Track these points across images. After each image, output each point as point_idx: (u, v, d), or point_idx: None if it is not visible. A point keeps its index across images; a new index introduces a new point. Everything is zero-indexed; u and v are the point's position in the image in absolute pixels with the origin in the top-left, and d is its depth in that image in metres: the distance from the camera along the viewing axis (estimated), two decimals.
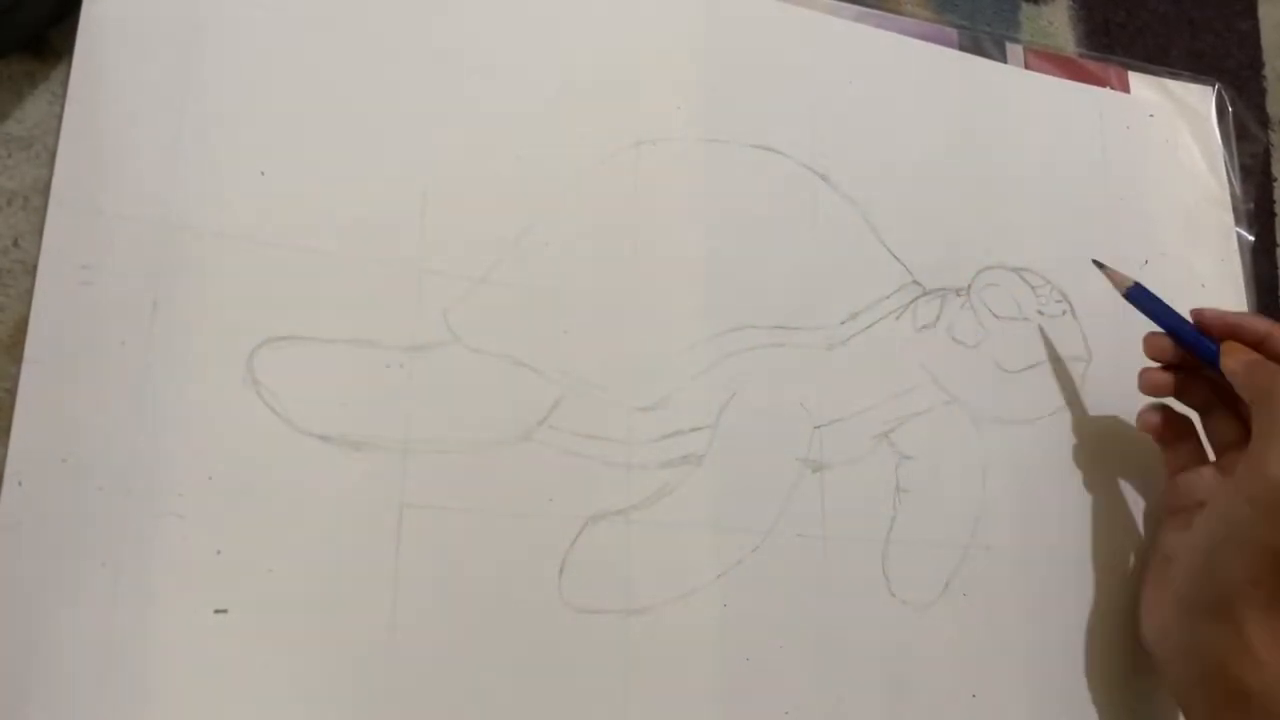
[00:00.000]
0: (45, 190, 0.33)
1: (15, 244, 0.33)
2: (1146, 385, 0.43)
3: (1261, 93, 0.58)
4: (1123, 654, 0.45)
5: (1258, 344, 0.40)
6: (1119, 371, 0.48)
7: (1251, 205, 0.54)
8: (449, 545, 0.35)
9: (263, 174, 0.36)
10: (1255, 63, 0.58)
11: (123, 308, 0.33)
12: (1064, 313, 0.48)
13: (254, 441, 0.34)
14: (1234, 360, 0.39)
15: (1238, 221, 0.54)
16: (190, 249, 0.34)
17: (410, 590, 0.35)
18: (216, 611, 0.32)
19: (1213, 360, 0.41)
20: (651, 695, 0.37)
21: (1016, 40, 0.52)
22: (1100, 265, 0.45)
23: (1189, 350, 0.42)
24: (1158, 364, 0.43)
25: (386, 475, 0.35)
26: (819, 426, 0.42)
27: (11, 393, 0.32)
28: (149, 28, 0.35)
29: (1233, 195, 0.54)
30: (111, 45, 0.34)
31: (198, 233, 0.34)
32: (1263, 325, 0.40)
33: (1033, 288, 0.48)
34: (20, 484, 0.31)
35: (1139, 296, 0.43)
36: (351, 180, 0.37)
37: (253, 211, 0.35)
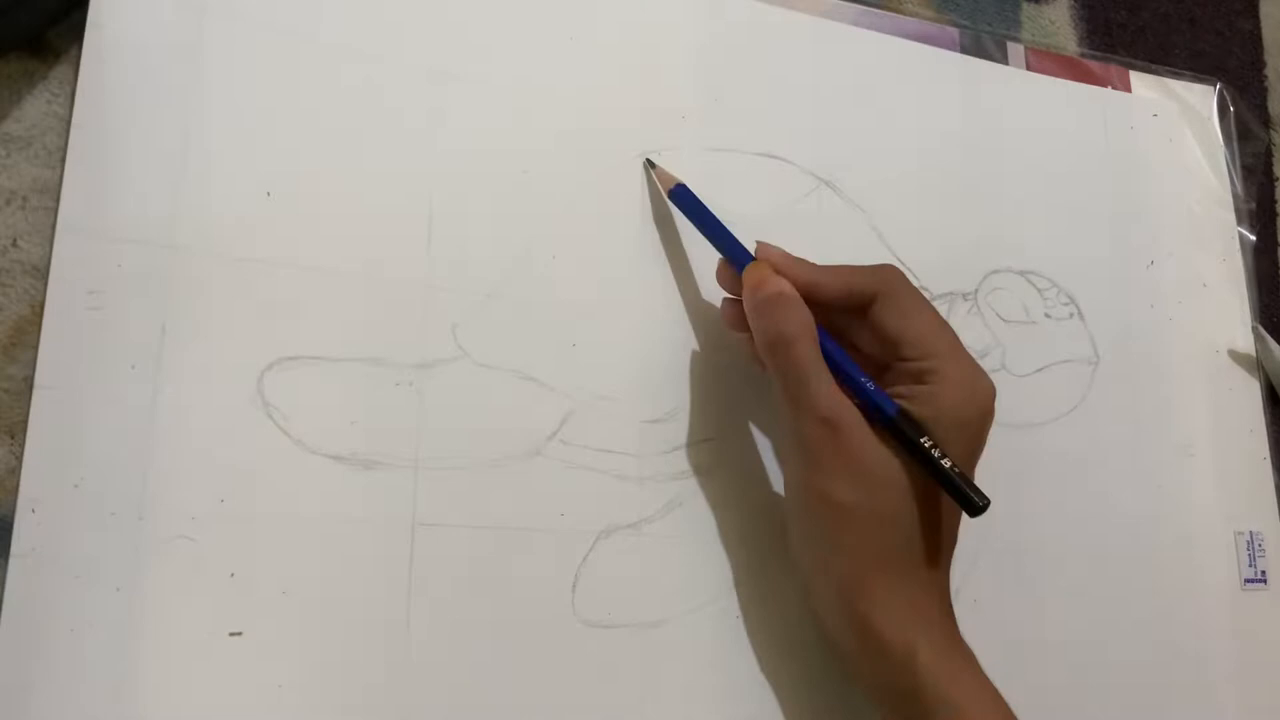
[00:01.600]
0: (44, 190, 0.33)
1: (14, 244, 0.33)
2: (725, 319, 0.39)
3: (1263, 92, 0.58)
4: (1135, 651, 0.45)
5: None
6: (1128, 373, 0.48)
7: (1253, 205, 0.54)
8: (462, 562, 0.35)
9: (268, 195, 0.36)
10: (1257, 62, 0.58)
11: (132, 332, 0.33)
12: (1071, 315, 0.48)
13: (265, 463, 0.34)
14: (751, 290, 0.37)
15: (1239, 221, 0.54)
16: (197, 271, 0.34)
17: (424, 607, 0.35)
18: (231, 634, 0.32)
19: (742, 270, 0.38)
20: (666, 708, 0.37)
21: (1018, 40, 0.52)
22: (650, 165, 0.41)
23: (726, 258, 0.39)
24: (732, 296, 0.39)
25: (398, 493, 0.35)
26: None
27: (10, 392, 0.32)
28: (153, 52, 0.35)
29: (1234, 195, 0.54)
30: (116, 71, 0.34)
31: (205, 255, 0.34)
32: (776, 254, 0.38)
33: (1039, 290, 0.48)
34: (33, 510, 0.31)
35: (682, 196, 0.40)
36: (357, 199, 0.37)
37: (259, 233, 0.35)
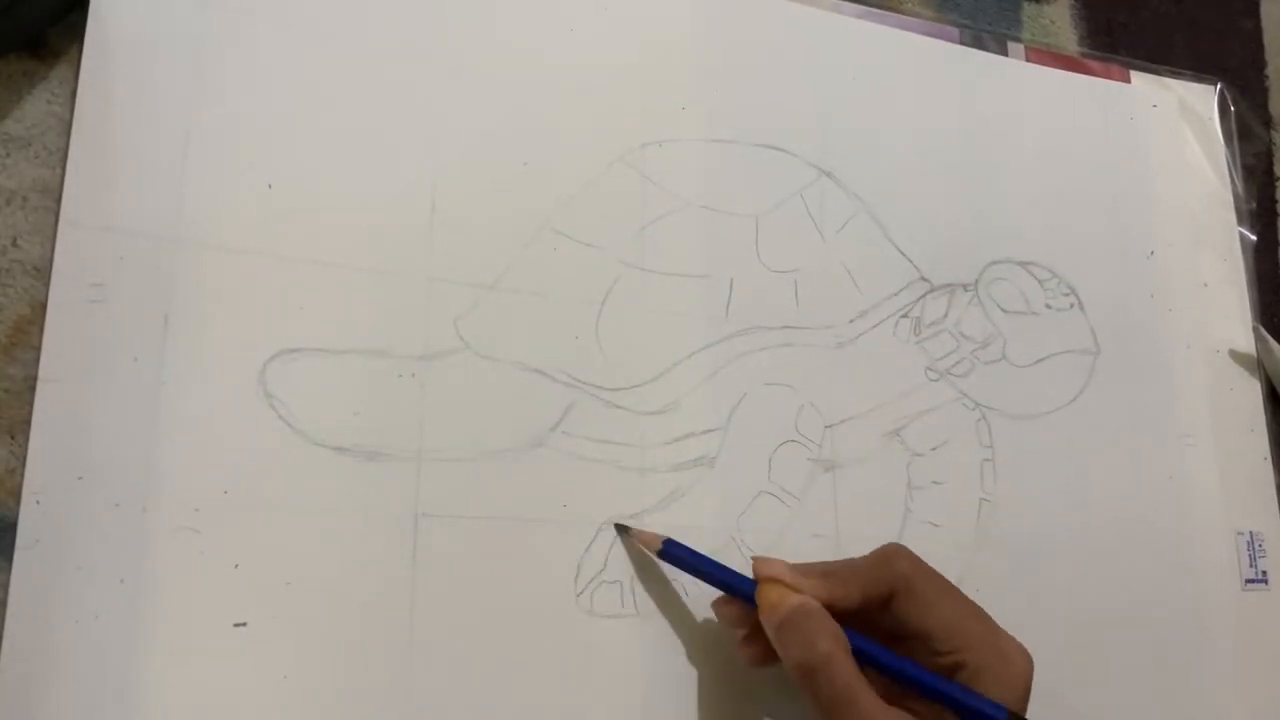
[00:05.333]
0: (44, 190, 0.33)
1: (14, 244, 0.33)
2: (746, 659, 0.36)
3: (1264, 92, 0.58)
4: (1132, 645, 0.45)
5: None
6: (1127, 363, 0.48)
7: (1254, 205, 0.54)
8: (465, 553, 0.35)
9: (270, 187, 0.36)
10: (1257, 62, 0.58)
11: (135, 324, 0.33)
12: (1071, 306, 0.48)
13: (268, 454, 0.34)
14: (768, 613, 0.34)
15: (1240, 221, 0.54)
16: (200, 263, 0.34)
17: (427, 598, 0.35)
18: (236, 625, 0.32)
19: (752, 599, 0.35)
20: (667, 697, 0.37)
21: (1018, 40, 0.51)
22: (623, 529, 0.38)
23: (732, 594, 0.36)
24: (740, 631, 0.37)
25: (401, 485, 0.35)
26: (830, 426, 0.42)
27: (10, 392, 0.32)
28: (155, 44, 0.35)
29: (1235, 195, 0.54)
30: (118, 63, 0.34)
31: (207, 247, 0.34)
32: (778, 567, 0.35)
33: (1040, 281, 0.48)
34: (38, 502, 0.31)
35: (673, 551, 0.36)
36: (359, 191, 0.37)
37: (261, 225, 0.35)
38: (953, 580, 0.42)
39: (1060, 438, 0.46)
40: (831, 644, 0.33)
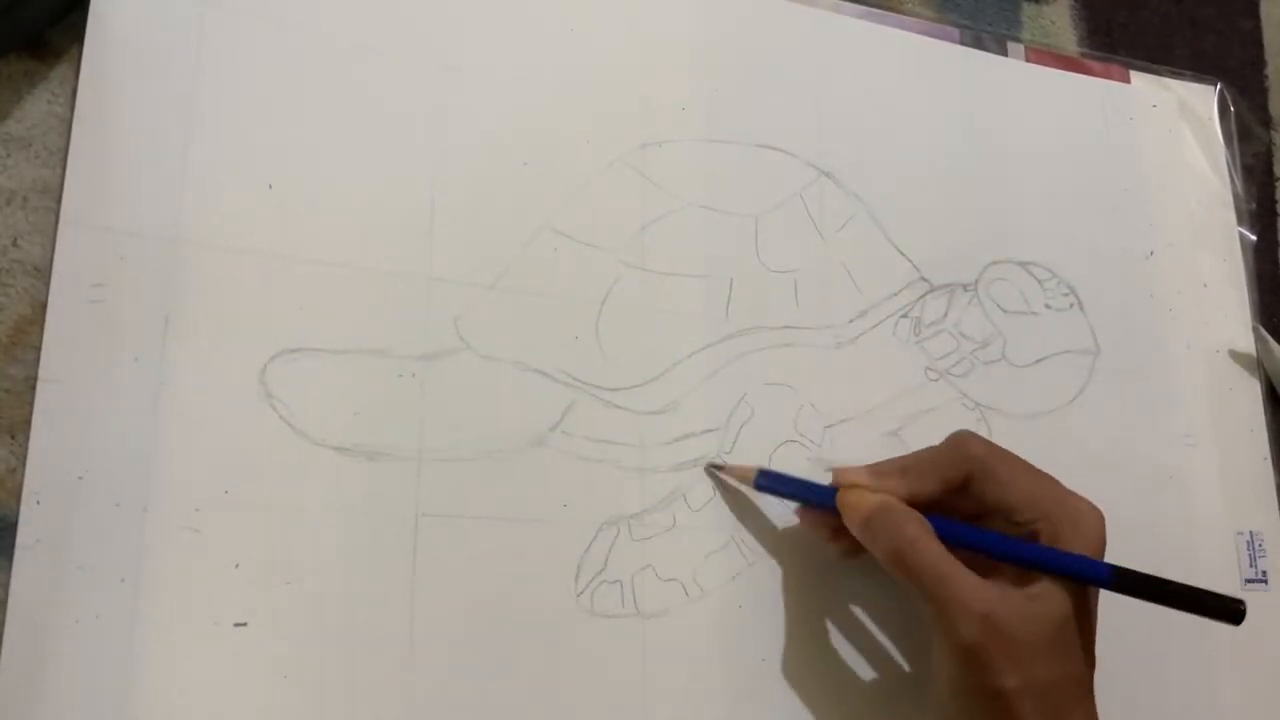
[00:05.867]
0: (44, 190, 0.33)
1: (15, 244, 0.33)
2: (837, 553, 0.39)
3: (1263, 92, 0.58)
4: (1132, 645, 0.45)
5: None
6: (1127, 363, 0.48)
7: (1253, 205, 0.54)
8: (465, 553, 0.35)
9: (270, 187, 0.36)
10: (1257, 62, 0.58)
11: (135, 324, 0.33)
12: (1071, 305, 0.48)
13: (269, 454, 0.34)
14: (849, 513, 0.37)
15: (1240, 221, 0.54)
16: (200, 264, 0.34)
17: (428, 597, 0.35)
18: (236, 625, 0.32)
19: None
20: (668, 697, 0.37)
21: (1018, 40, 0.52)
22: (717, 468, 0.39)
23: (821, 511, 0.38)
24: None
25: (402, 485, 0.35)
26: (829, 426, 0.42)
27: (11, 392, 0.32)
28: (155, 45, 0.35)
29: (1235, 195, 0.54)
30: (117, 64, 0.34)
31: (207, 247, 0.34)
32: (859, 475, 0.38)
33: (1039, 281, 0.48)
34: (38, 502, 0.31)
35: (768, 478, 0.39)
36: (359, 191, 0.37)
37: (261, 225, 0.35)
38: None
39: (1060, 438, 0.46)
40: (916, 528, 0.35)
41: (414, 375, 0.36)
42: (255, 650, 0.32)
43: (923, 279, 0.45)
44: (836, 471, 0.38)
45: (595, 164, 0.41)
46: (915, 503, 0.36)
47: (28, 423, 0.32)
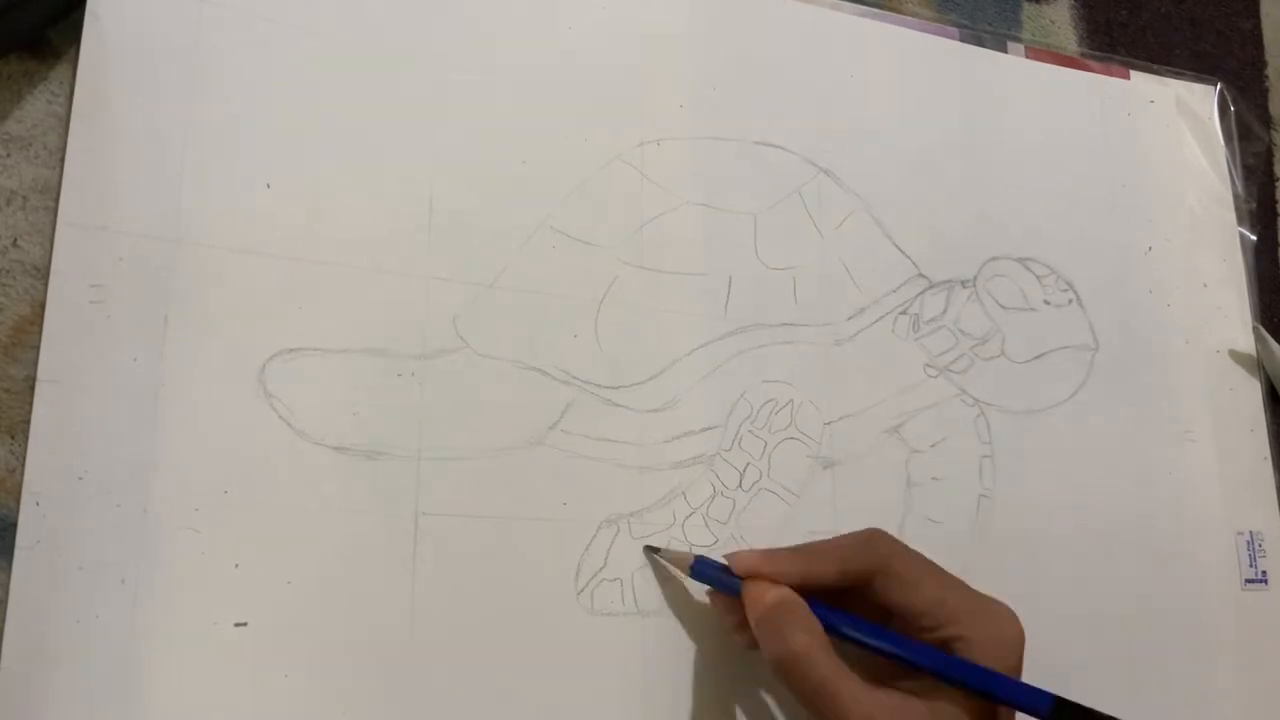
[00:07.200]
0: (44, 190, 0.33)
1: (15, 244, 0.33)
2: (741, 644, 0.37)
3: (1264, 92, 0.58)
4: (1132, 642, 0.45)
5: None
6: (1126, 359, 0.49)
7: (1254, 205, 0.54)
8: (465, 552, 0.36)
9: (268, 187, 0.36)
10: (1258, 62, 0.58)
11: (134, 325, 0.33)
12: (1070, 302, 0.48)
13: (268, 454, 0.34)
14: (750, 608, 0.34)
15: (1240, 221, 0.54)
16: (199, 264, 0.34)
17: (427, 596, 0.35)
18: (236, 625, 0.32)
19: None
20: (666, 694, 0.37)
21: (1018, 39, 0.51)
22: (654, 550, 0.38)
23: (722, 591, 0.36)
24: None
25: (401, 484, 0.35)
26: (829, 423, 0.42)
27: (10, 392, 0.32)
28: (152, 45, 0.35)
29: (1235, 195, 0.54)
30: (115, 64, 0.34)
31: (206, 247, 0.34)
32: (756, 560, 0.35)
33: (1038, 277, 0.48)
34: (38, 503, 0.31)
35: (703, 568, 0.37)
36: (357, 190, 0.37)
37: (260, 225, 0.35)
38: (957, 573, 0.42)
39: (1059, 433, 0.46)
40: (806, 637, 0.33)
41: (413, 374, 0.36)
42: (256, 650, 0.32)
43: (921, 275, 0.45)
44: (731, 557, 0.36)
45: (594, 162, 0.41)
46: (813, 589, 0.34)
47: (27, 422, 0.32)
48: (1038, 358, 0.47)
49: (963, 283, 0.46)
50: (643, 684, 0.37)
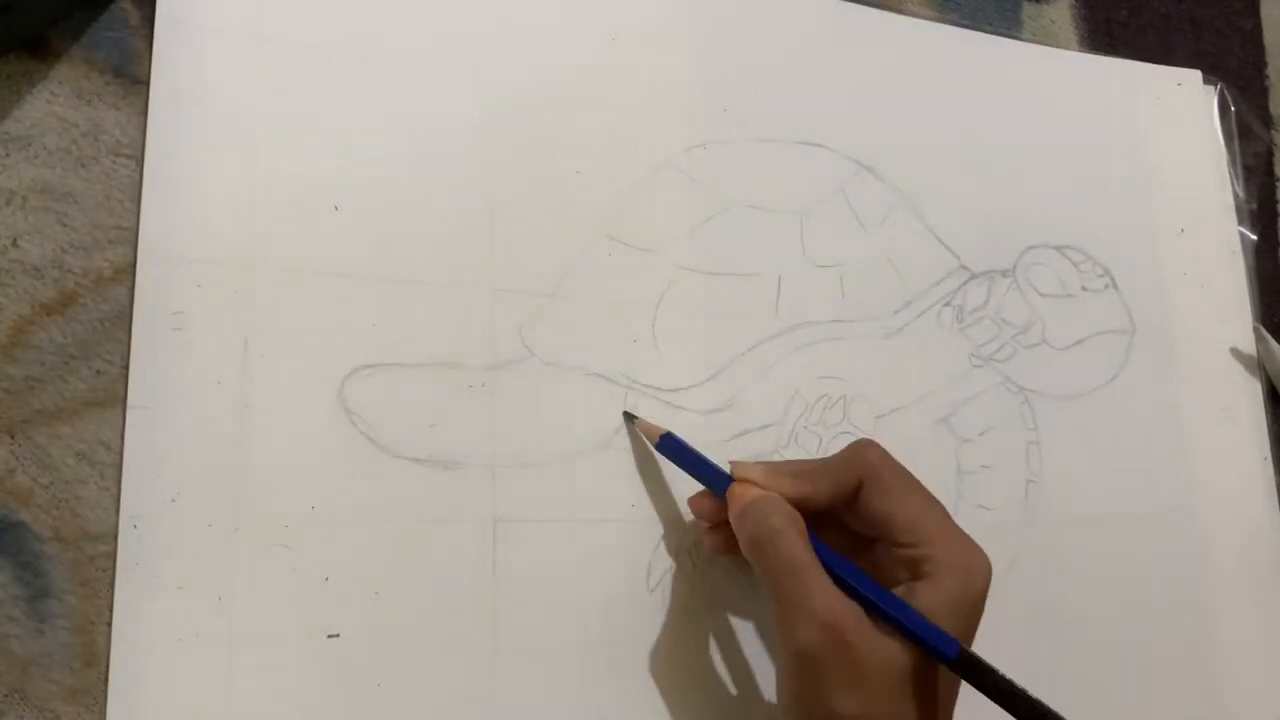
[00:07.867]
0: (44, 190, 0.33)
1: (14, 244, 0.33)
2: (710, 548, 0.38)
3: (1264, 92, 0.58)
4: (1178, 616, 0.47)
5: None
6: (1162, 341, 0.50)
7: (1254, 205, 0.55)
8: (541, 555, 0.37)
9: (336, 208, 0.36)
10: (1258, 62, 0.58)
11: (216, 349, 0.34)
12: (1106, 286, 0.49)
13: (351, 468, 0.35)
14: (733, 505, 0.35)
15: (1240, 221, 0.54)
16: (274, 287, 0.35)
17: (509, 599, 0.36)
18: (329, 636, 0.33)
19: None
20: (740, 685, 0.38)
21: (1019, 40, 0.52)
22: (630, 417, 0.39)
23: (711, 489, 0.37)
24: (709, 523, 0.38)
25: (478, 492, 0.36)
26: (880, 416, 0.43)
27: (10, 392, 0.32)
28: (219, 76, 0.36)
29: (1235, 195, 0.54)
30: (184, 97, 0.35)
31: (279, 271, 0.35)
32: (756, 471, 0.36)
33: (1075, 264, 0.49)
34: (135, 526, 0.32)
35: (669, 444, 0.38)
36: (420, 207, 0.38)
37: (329, 246, 0.36)
38: (1005, 562, 0.44)
39: (1101, 416, 0.47)
40: (783, 521, 0.33)
41: (484, 385, 0.37)
42: (349, 660, 0.33)
43: (963, 267, 0.46)
44: (735, 464, 0.36)
45: (644, 169, 0.42)
46: (805, 508, 0.35)
47: (27, 422, 0.32)
48: (1078, 343, 0.48)
49: (1003, 272, 0.47)
50: (716, 675, 0.38)
